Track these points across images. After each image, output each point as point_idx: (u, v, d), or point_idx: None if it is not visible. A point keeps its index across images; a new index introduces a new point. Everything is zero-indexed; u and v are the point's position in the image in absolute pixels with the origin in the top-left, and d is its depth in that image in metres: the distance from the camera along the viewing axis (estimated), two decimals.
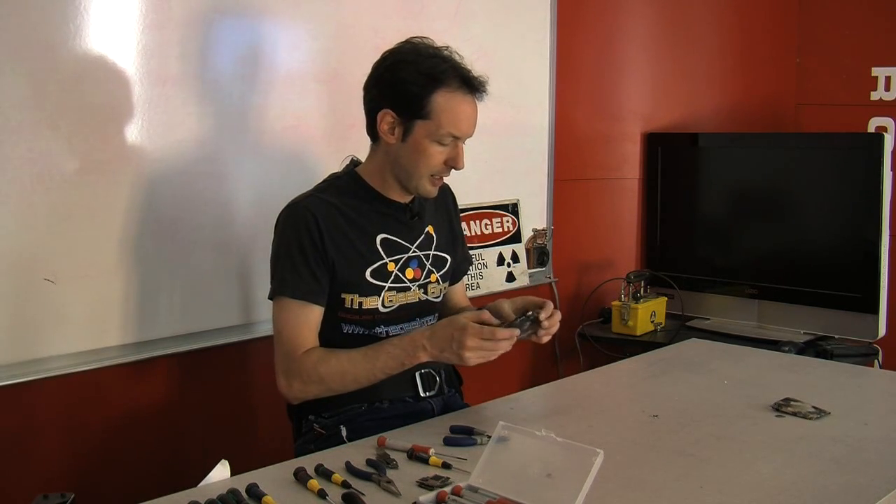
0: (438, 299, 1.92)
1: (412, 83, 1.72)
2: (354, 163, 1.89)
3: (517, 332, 1.67)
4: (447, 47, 1.78)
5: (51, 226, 1.87)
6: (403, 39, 1.80)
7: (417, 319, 1.86)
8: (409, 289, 1.84)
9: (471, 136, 1.79)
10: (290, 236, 1.76)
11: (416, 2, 2.51)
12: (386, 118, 1.76)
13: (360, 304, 1.79)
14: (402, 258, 1.83)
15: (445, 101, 1.72)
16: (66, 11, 1.86)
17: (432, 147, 1.75)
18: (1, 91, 1.78)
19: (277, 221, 1.80)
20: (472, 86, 1.75)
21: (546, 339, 1.74)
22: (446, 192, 1.98)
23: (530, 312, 1.72)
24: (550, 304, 1.74)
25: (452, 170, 1.80)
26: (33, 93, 1.83)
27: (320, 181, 1.88)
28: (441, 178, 1.82)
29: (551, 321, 1.72)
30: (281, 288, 1.75)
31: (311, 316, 1.75)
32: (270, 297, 1.78)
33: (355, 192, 1.82)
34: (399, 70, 1.74)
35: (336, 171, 1.90)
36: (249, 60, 2.17)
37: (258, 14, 2.18)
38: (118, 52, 1.94)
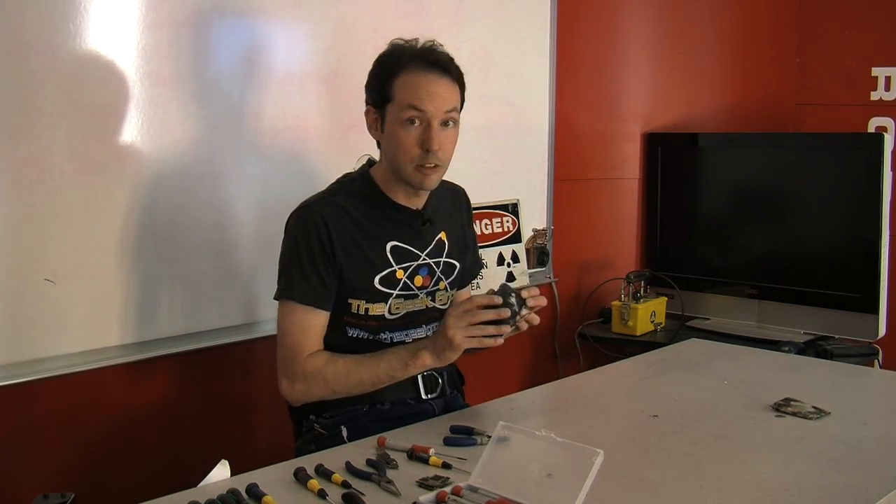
0: (445, 306, 1.89)
1: (378, 73, 1.77)
2: (370, 163, 1.87)
3: (498, 299, 1.60)
4: (432, 41, 1.78)
5: (51, 226, 1.87)
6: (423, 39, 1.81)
7: (423, 326, 1.85)
8: (416, 296, 1.83)
9: (442, 113, 1.71)
10: (300, 239, 1.75)
11: (416, 2, 2.51)
12: (369, 114, 1.80)
13: (367, 310, 1.78)
14: (411, 266, 1.82)
15: (406, 80, 1.73)
16: (66, 11, 1.86)
17: (402, 130, 1.72)
18: (1, 91, 1.78)
19: (287, 223, 1.80)
20: (431, 61, 1.73)
21: (532, 314, 1.66)
22: (461, 197, 1.98)
23: (510, 289, 1.63)
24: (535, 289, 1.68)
25: (430, 153, 1.71)
26: (33, 93, 1.83)
27: (332, 181, 1.86)
28: (428, 167, 1.73)
29: (536, 300, 1.65)
30: (288, 291, 1.75)
31: (317, 321, 1.75)
32: (276, 298, 1.78)
33: (367, 197, 1.81)
34: (372, 67, 1.79)
35: (349, 171, 1.89)
36: (249, 60, 2.17)
37: (258, 14, 2.18)
38: (118, 52, 1.94)
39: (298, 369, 1.73)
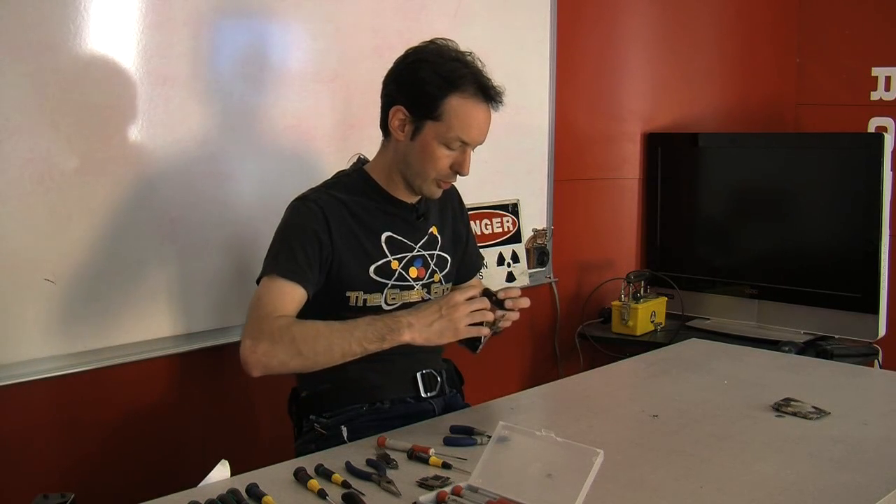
0: None
1: (429, 83, 1.72)
2: (362, 161, 1.90)
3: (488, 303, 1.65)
4: (470, 53, 1.77)
5: (51, 226, 1.87)
6: (400, 41, 1.80)
7: None
8: (412, 288, 1.84)
9: (480, 143, 1.78)
10: (292, 224, 1.76)
11: (416, 2, 2.51)
12: (398, 114, 1.76)
13: (365, 301, 1.79)
14: (406, 257, 1.83)
15: (459, 106, 1.72)
16: (66, 11, 1.86)
17: (440, 150, 1.74)
18: (1, 91, 1.78)
19: (285, 212, 1.80)
20: (488, 94, 1.75)
21: (512, 312, 1.70)
22: (452, 193, 1.98)
23: (489, 292, 1.68)
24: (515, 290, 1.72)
25: (457, 175, 1.79)
26: (33, 93, 1.83)
27: (327, 178, 1.88)
28: (447, 183, 1.82)
29: (516, 302, 1.68)
30: (272, 266, 1.72)
31: (296, 294, 1.70)
32: (259, 278, 1.75)
33: (363, 190, 1.83)
34: (418, 69, 1.74)
35: (343, 168, 1.90)
36: (250, 60, 2.17)
37: (258, 14, 2.18)
38: (118, 52, 1.94)
39: (266, 327, 1.64)
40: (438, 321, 1.63)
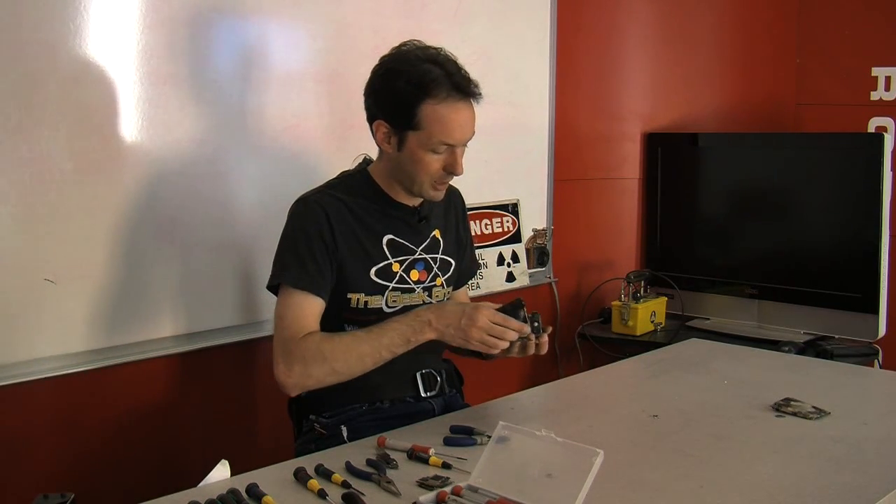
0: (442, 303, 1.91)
1: (401, 93, 1.70)
2: (367, 161, 1.89)
3: (527, 328, 1.67)
4: (441, 49, 1.75)
5: (51, 226, 1.87)
6: (400, 41, 1.79)
7: None
8: (413, 290, 1.84)
9: (467, 140, 1.77)
10: (299, 228, 1.76)
11: (416, 2, 2.51)
12: (381, 129, 1.76)
13: (366, 303, 1.79)
14: (407, 259, 1.83)
15: (434, 112, 1.70)
16: (65, 11, 1.86)
17: (427, 156, 1.73)
18: (1, 91, 1.78)
19: (288, 214, 1.80)
20: (464, 91, 1.72)
21: (533, 351, 1.73)
22: (455, 196, 1.98)
23: (536, 319, 1.70)
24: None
25: (453, 175, 1.79)
26: (33, 93, 1.83)
27: (331, 178, 1.88)
28: (444, 183, 1.81)
29: (543, 344, 1.73)
30: (284, 275, 1.73)
31: (314, 306, 1.73)
32: (270, 285, 1.77)
33: (365, 192, 1.82)
34: (389, 80, 1.73)
35: (347, 168, 1.90)
36: (249, 60, 2.17)
37: (258, 14, 2.18)
38: (118, 52, 1.94)
39: (296, 349, 1.68)
40: (454, 326, 1.67)
